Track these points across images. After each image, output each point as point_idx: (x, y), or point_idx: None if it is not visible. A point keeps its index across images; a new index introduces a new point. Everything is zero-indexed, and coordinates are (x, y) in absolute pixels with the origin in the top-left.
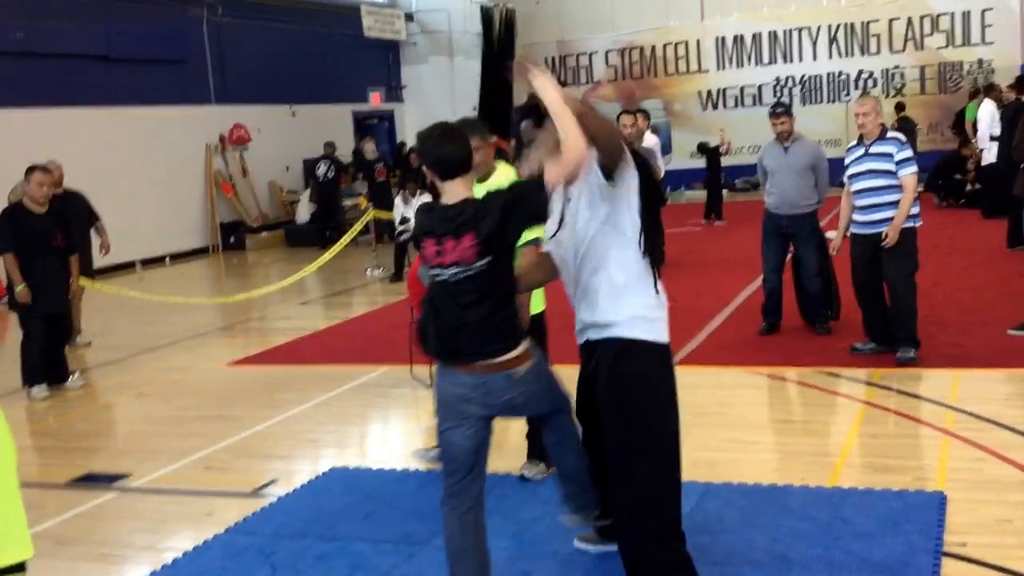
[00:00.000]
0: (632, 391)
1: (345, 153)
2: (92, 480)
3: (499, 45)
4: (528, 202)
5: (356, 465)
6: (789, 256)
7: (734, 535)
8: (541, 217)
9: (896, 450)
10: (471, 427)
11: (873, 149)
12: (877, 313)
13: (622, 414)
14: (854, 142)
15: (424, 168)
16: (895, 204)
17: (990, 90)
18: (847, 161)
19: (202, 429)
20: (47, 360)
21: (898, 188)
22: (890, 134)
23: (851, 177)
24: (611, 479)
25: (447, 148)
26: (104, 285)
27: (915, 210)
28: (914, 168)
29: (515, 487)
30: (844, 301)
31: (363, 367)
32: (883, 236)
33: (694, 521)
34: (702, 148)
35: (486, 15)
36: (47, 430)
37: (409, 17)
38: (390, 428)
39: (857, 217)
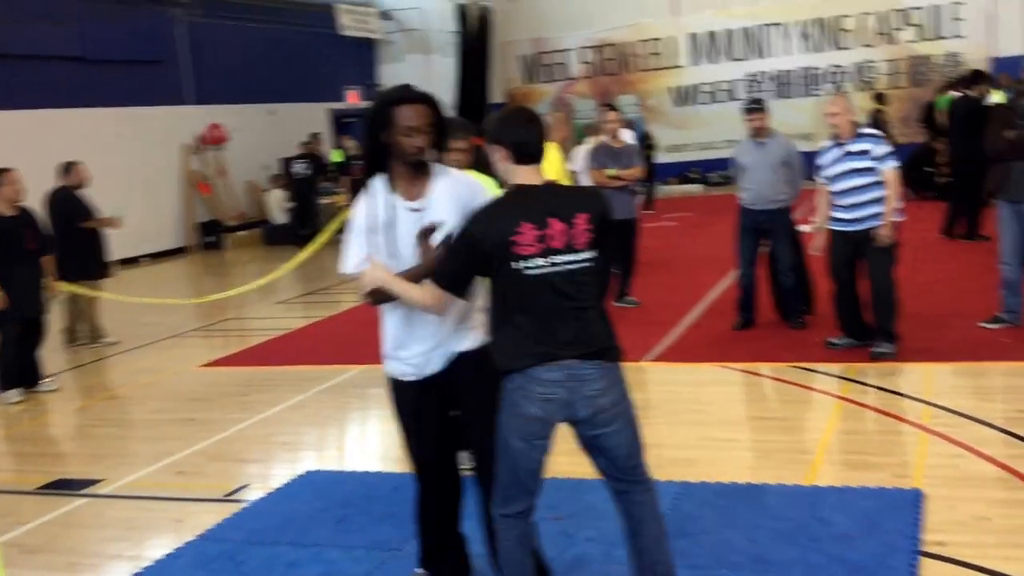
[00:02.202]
0: None
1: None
2: (63, 486)
3: (475, 43)
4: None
5: (331, 468)
6: (763, 251)
7: (712, 536)
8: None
9: (873, 446)
10: None
11: (850, 148)
12: (853, 310)
13: None
14: (828, 142)
15: (492, 147)
16: (877, 201)
17: (960, 82)
18: (822, 161)
19: (175, 433)
20: (21, 364)
21: (879, 185)
22: (865, 131)
23: (830, 178)
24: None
25: (533, 132)
26: (77, 287)
27: (899, 204)
28: (895, 162)
29: None
30: (818, 296)
31: (338, 367)
32: (874, 235)
33: (672, 522)
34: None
35: (461, 13)
36: (20, 435)
37: (385, 15)
38: (365, 430)
39: (839, 215)
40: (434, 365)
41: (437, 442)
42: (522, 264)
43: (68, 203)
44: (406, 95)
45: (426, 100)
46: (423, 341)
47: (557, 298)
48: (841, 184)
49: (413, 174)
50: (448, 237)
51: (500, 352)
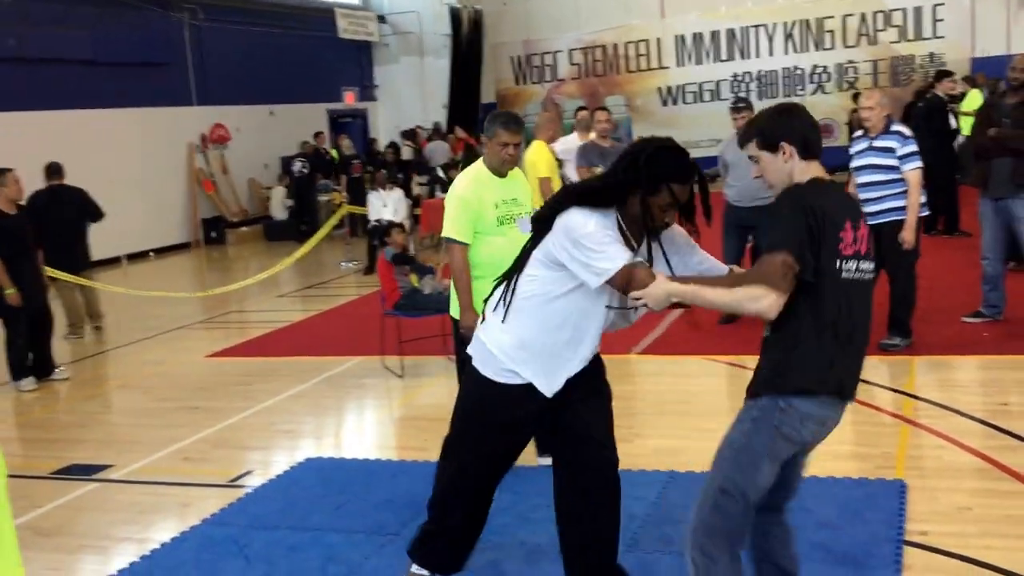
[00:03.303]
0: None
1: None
2: (74, 471)
3: (467, 45)
4: None
5: (331, 455)
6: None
7: None
8: None
9: (856, 437)
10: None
11: (876, 143)
12: None
13: None
14: (859, 133)
15: (776, 147)
16: (895, 196)
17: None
18: (851, 152)
19: (181, 420)
20: (34, 354)
21: (900, 182)
22: (894, 127)
23: (854, 170)
24: None
25: (816, 126)
26: (88, 280)
27: (921, 199)
28: (918, 162)
29: None
30: None
31: (337, 358)
32: (900, 240)
33: (659, 511)
34: None
35: (455, 16)
36: (33, 422)
37: (381, 19)
38: (363, 418)
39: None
40: (559, 384)
41: (508, 460)
42: (843, 265)
43: (80, 200)
44: (690, 173)
45: (699, 179)
46: (578, 354)
47: (861, 309)
48: (862, 177)
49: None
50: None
51: (794, 368)
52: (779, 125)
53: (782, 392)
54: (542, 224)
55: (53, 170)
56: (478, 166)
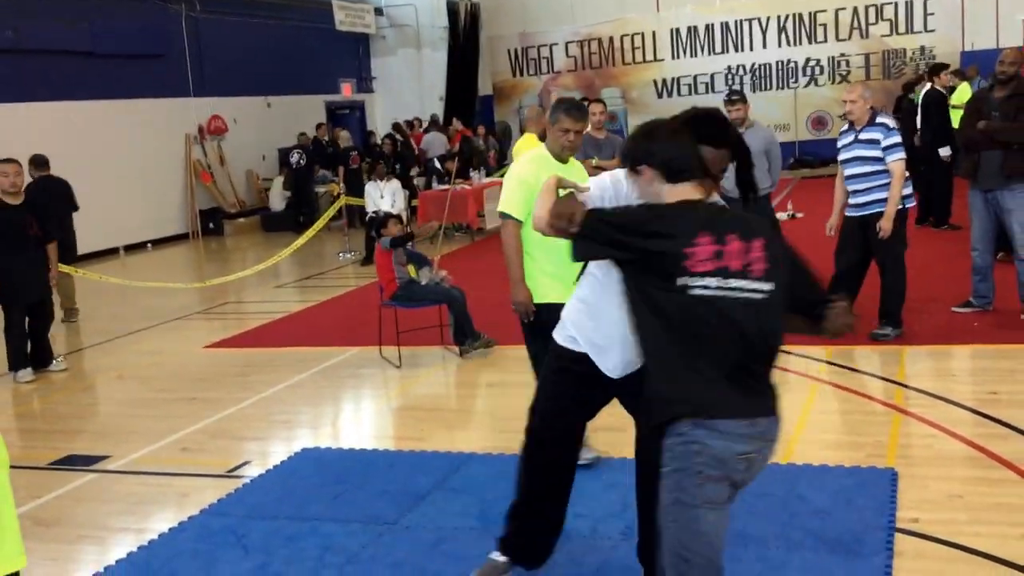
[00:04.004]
0: None
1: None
2: (72, 462)
3: (464, 37)
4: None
5: (328, 445)
6: None
7: None
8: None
9: (848, 427)
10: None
11: (862, 135)
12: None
13: None
14: (845, 126)
15: (638, 171)
16: (881, 188)
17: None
18: (839, 145)
19: (179, 411)
20: (31, 345)
21: (885, 173)
22: (879, 119)
23: (842, 162)
24: None
25: (682, 145)
26: (87, 271)
27: (907, 191)
28: (901, 154)
29: (481, 466)
30: None
31: (335, 349)
32: (878, 228)
33: None
34: None
35: (452, 9)
36: (30, 412)
37: (379, 11)
38: (361, 408)
39: (848, 200)
40: (610, 363)
41: (569, 426)
42: (692, 280)
43: (66, 191)
44: (722, 140)
45: (740, 150)
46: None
47: (750, 328)
48: (849, 170)
49: None
50: (624, 209)
51: (677, 394)
52: (639, 148)
53: (671, 420)
54: None
55: (40, 162)
56: (540, 150)
